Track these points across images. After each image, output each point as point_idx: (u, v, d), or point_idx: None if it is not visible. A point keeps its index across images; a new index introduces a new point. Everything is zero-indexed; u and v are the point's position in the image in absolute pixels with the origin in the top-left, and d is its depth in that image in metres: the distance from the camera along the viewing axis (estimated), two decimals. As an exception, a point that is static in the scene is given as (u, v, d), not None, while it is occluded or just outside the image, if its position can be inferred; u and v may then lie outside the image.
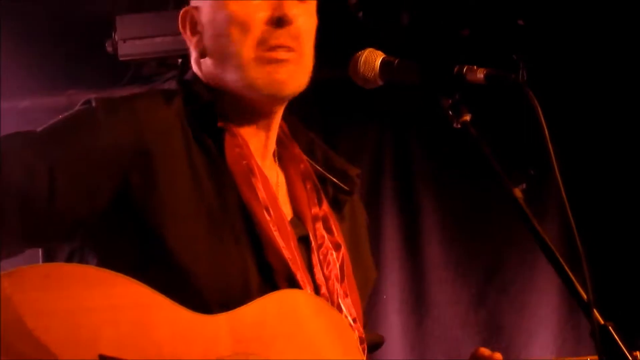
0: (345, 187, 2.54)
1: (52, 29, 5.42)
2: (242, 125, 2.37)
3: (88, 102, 2.27)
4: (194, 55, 2.44)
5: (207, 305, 2.15)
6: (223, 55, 2.33)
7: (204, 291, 2.16)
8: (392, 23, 5.02)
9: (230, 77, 2.33)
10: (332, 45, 5.08)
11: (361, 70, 2.29)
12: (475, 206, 5.25)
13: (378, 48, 4.65)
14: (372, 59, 2.30)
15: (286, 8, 2.32)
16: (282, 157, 2.48)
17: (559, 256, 2.01)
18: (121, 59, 5.12)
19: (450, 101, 2.19)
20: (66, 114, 2.28)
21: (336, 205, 2.52)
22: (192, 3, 2.42)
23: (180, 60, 5.21)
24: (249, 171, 2.29)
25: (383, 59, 2.30)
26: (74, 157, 2.16)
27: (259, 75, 2.30)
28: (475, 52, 4.91)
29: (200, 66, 2.41)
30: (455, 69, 2.19)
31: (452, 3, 4.94)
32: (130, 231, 2.18)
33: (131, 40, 5.06)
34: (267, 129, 2.41)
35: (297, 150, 2.50)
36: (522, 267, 5.26)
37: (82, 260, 2.22)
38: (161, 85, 5.35)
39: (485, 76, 2.16)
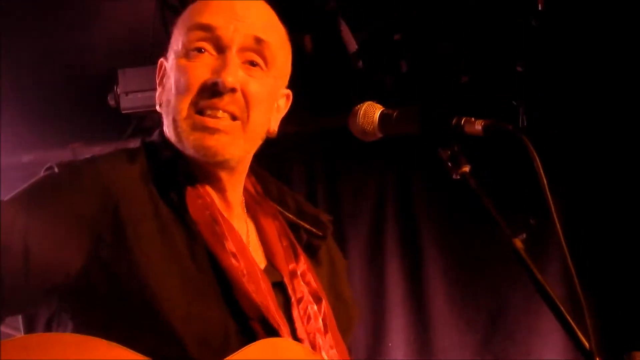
0: (319, 232, 2.55)
1: (55, 83, 5.48)
2: (202, 181, 2.37)
3: (50, 168, 2.27)
4: None
5: (189, 356, 2.14)
6: (167, 108, 2.35)
7: (184, 342, 2.15)
8: (392, 71, 5.05)
9: (169, 131, 2.35)
10: (334, 94, 5.16)
11: (360, 124, 2.31)
12: (479, 251, 5.25)
13: (378, 95, 4.70)
14: (371, 112, 2.31)
15: (226, 74, 2.30)
16: (252, 209, 2.49)
17: (560, 305, 2.03)
18: (123, 112, 5.16)
19: (449, 152, 2.21)
20: (31, 181, 2.27)
21: (310, 251, 2.54)
22: (167, 55, 2.43)
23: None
24: (213, 221, 2.29)
25: (382, 112, 2.31)
26: (45, 227, 2.16)
27: (190, 137, 2.31)
28: (474, 98, 4.94)
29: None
30: (454, 121, 2.20)
31: (451, 51, 4.98)
32: (105, 290, 2.17)
33: (133, 93, 5.09)
34: (222, 189, 2.41)
35: (271, 206, 2.52)
36: (527, 312, 5.25)
37: (60, 326, 2.21)
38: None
39: (483, 127, 2.18)
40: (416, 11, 4.95)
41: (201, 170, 2.36)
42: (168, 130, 2.35)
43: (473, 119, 2.20)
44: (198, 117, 2.30)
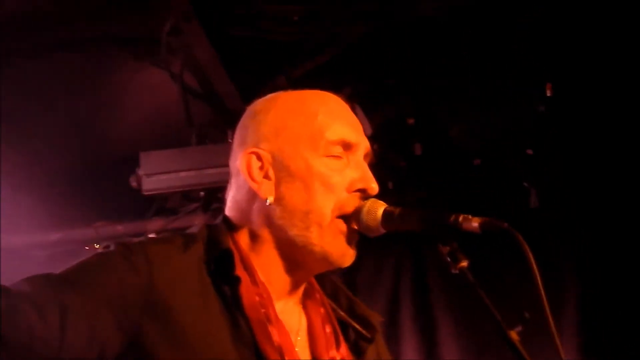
0: (367, 334, 2.53)
1: (81, 165, 5.61)
2: (272, 272, 2.40)
3: (107, 247, 2.34)
4: (237, 197, 2.47)
5: None
6: (299, 208, 2.36)
7: None
8: (406, 154, 5.15)
9: (300, 232, 2.36)
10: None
11: (364, 220, 2.38)
12: (494, 333, 5.30)
13: (391, 177, 4.75)
14: (375, 209, 2.38)
15: (373, 182, 2.41)
16: (305, 302, 2.50)
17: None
18: (145, 193, 5.23)
19: (448, 248, 2.29)
20: (85, 258, 2.31)
21: (357, 351, 2.52)
22: (262, 146, 2.42)
23: (202, 194, 5.35)
24: (267, 319, 2.30)
25: (385, 209, 2.38)
26: (85, 304, 2.18)
27: (334, 242, 2.36)
28: (486, 180, 5.02)
29: (242, 208, 2.45)
30: (451, 218, 2.28)
31: (464, 134, 5.07)
32: None
33: (155, 175, 5.18)
34: (301, 282, 2.46)
35: (319, 295, 2.52)
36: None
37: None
38: (187, 217, 5.49)
39: (480, 225, 2.25)
40: (429, 95, 5.05)
41: (284, 262, 2.40)
42: (292, 229, 2.37)
43: (470, 216, 2.28)
44: (345, 227, 2.38)
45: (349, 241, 2.39)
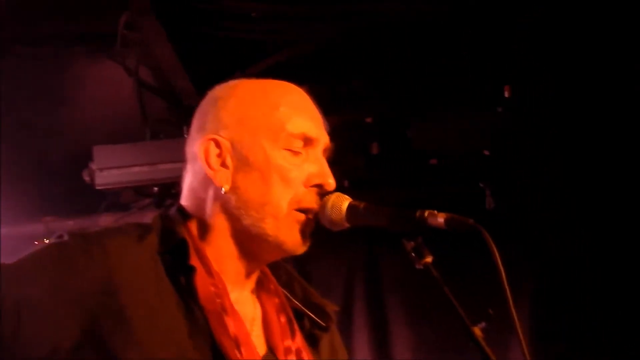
0: (322, 323, 2.55)
1: (29, 157, 5.53)
2: (226, 261, 2.40)
3: (60, 236, 2.29)
4: (194, 184, 2.45)
5: None
6: (255, 199, 2.36)
7: None
8: (362, 153, 5.15)
9: (255, 222, 2.36)
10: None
11: (328, 214, 2.38)
12: (450, 331, 5.33)
13: (348, 176, 4.76)
14: (339, 203, 2.39)
15: (331, 177, 2.41)
16: (259, 292, 2.50)
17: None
18: (98, 187, 5.19)
19: (412, 244, 2.29)
20: (38, 248, 2.28)
21: (312, 340, 2.54)
22: (222, 134, 2.41)
23: (156, 189, 5.31)
24: (222, 310, 2.30)
25: (350, 203, 2.38)
26: (41, 295, 2.16)
27: (290, 233, 2.37)
28: (442, 180, 5.04)
29: (197, 196, 2.43)
30: (417, 214, 2.28)
31: (421, 135, 5.08)
32: None
33: (108, 170, 5.14)
34: (254, 270, 2.46)
35: (273, 285, 2.52)
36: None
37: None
38: (139, 213, 5.45)
39: (445, 221, 2.26)
40: (387, 95, 5.06)
41: (238, 250, 2.40)
42: (247, 219, 2.37)
43: (436, 212, 2.28)
44: (302, 217, 2.38)
45: (304, 230, 2.39)
